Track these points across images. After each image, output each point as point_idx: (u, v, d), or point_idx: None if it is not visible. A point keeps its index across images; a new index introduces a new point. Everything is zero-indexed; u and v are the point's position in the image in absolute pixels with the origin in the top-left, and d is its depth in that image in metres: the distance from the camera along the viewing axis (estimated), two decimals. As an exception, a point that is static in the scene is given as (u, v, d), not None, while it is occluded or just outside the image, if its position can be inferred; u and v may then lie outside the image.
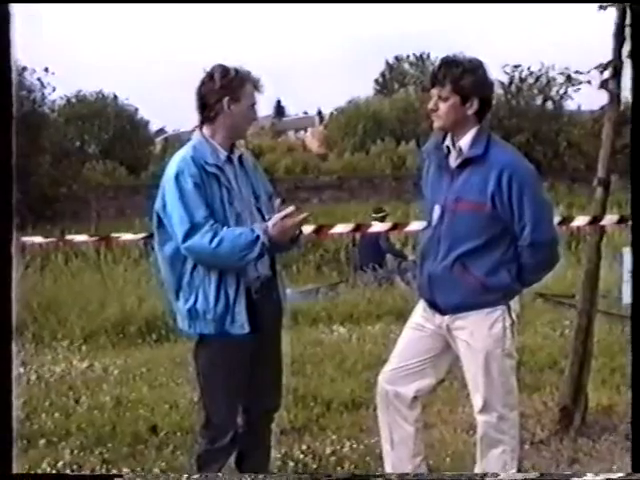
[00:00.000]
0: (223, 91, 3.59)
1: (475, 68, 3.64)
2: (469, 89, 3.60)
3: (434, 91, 3.64)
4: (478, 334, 3.71)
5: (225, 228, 3.53)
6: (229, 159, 3.69)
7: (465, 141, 3.67)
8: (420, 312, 3.96)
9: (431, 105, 3.67)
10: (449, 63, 3.63)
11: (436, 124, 3.71)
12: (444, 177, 3.76)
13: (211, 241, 3.48)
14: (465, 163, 3.67)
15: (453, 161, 3.73)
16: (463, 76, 3.58)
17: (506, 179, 3.55)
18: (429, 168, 3.91)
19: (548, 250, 3.74)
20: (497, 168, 3.57)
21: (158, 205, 3.62)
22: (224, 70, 3.61)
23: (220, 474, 3.84)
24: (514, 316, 3.76)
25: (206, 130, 3.67)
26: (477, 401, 3.82)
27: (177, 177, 3.52)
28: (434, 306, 3.84)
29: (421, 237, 4.08)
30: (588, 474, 3.86)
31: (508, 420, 3.83)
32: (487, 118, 3.73)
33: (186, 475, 3.79)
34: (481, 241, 3.64)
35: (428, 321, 3.89)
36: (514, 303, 3.78)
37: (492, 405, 3.78)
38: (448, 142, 3.74)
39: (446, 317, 3.79)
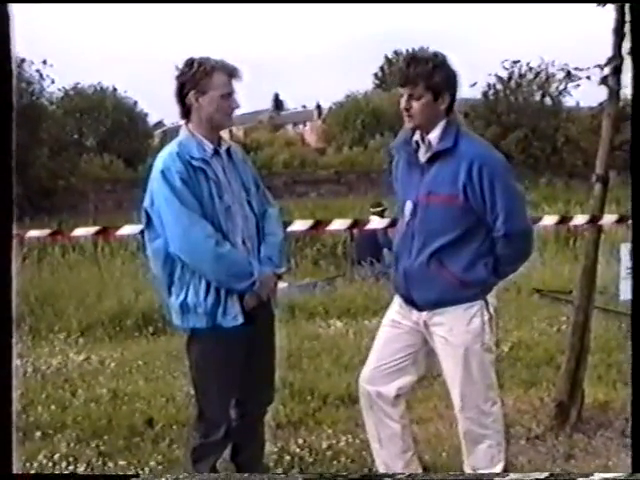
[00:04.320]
0: (188, 85, 3.58)
1: (443, 63, 3.62)
2: (441, 85, 3.59)
3: (405, 90, 3.61)
4: (456, 330, 3.69)
5: (228, 244, 3.55)
6: (216, 152, 3.68)
7: (434, 135, 3.65)
8: (396, 308, 3.94)
9: (404, 104, 3.63)
10: (418, 60, 3.60)
11: (410, 123, 3.68)
12: (414, 172, 3.74)
13: (217, 244, 3.50)
14: (435, 157, 3.64)
15: (422, 155, 3.71)
16: (434, 72, 3.56)
17: (476, 170, 3.53)
18: (398, 164, 3.90)
19: (522, 240, 3.72)
20: (467, 159, 3.55)
21: (146, 202, 3.62)
22: (187, 64, 3.60)
23: (239, 474, 3.87)
24: (492, 310, 3.75)
25: (191, 125, 3.67)
26: (456, 398, 3.81)
27: (164, 174, 3.52)
28: (410, 302, 3.81)
29: (395, 234, 4.07)
30: (595, 474, 3.86)
31: (490, 414, 3.82)
32: (455, 110, 3.71)
33: (202, 475, 3.80)
34: (456, 234, 3.62)
35: (405, 317, 3.87)
36: (491, 297, 3.77)
37: (473, 401, 3.77)
38: (417, 137, 3.72)
39: (423, 313, 3.76)
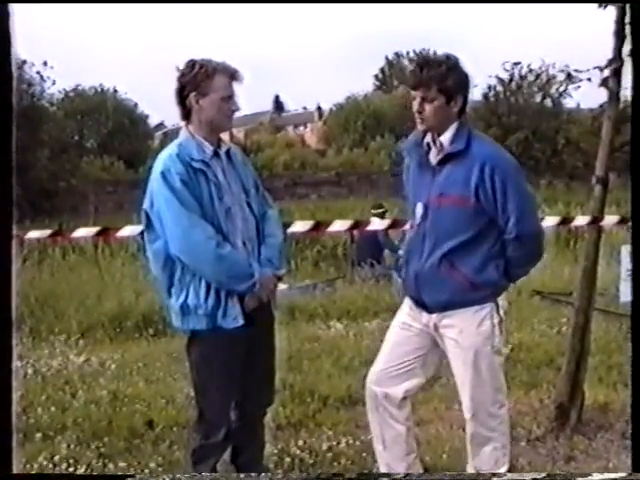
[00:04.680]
0: (189, 87, 3.58)
1: (455, 65, 3.61)
2: (454, 88, 3.58)
3: (418, 93, 3.60)
4: (467, 332, 3.69)
5: (228, 245, 3.55)
6: (216, 154, 3.67)
7: (446, 137, 3.65)
8: (406, 311, 3.94)
9: (416, 107, 3.62)
10: (431, 63, 3.60)
11: (422, 126, 3.67)
12: (425, 174, 3.73)
13: (217, 246, 3.50)
14: (447, 159, 3.64)
15: (434, 157, 3.70)
16: (448, 76, 3.55)
17: (488, 172, 3.53)
18: (409, 166, 3.88)
19: (533, 242, 3.72)
20: (479, 161, 3.55)
21: (146, 204, 3.62)
22: (189, 66, 3.60)
23: (236, 474, 3.87)
24: (502, 313, 3.75)
25: (191, 126, 3.66)
26: (465, 399, 3.81)
27: (164, 175, 3.51)
28: (421, 304, 3.81)
29: (406, 236, 4.06)
30: (594, 474, 3.86)
31: (497, 417, 3.82)
32: (467, 112, 3.72)
33: (202, 476, 3.80)
34: (467, 236, 3.62)
35: (415, 320, 3.87)
36: (501, 300, 3.77)
37: (481, 403, 3.77)
38: (428, 139, 3.72)
39: (433, 315, 3.76)
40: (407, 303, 3.95)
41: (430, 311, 3.77)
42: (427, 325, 3.81)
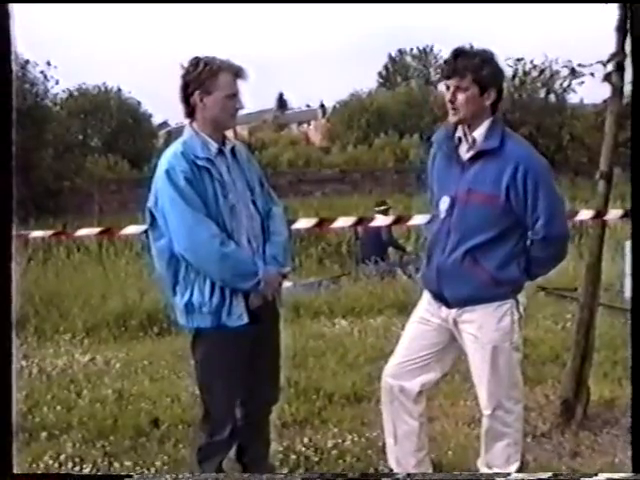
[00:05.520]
0: (194, 85, 3.57)
1: (491, 58, 3.62)
2: (488, 79, 3.57)
3: (451, 82, 3.58)
4: (486, 328, 3.70)
5: (232, 243, 3.55)
6: (221, 151, 3.67)
7: (479, 132, 3.64)
8: (425, 305, 3.94)
9: (449, 96, 3.61)
10: (466, 53, 3.59)
11: (453, 116, 3.65)
12: (454, 168, 3.72)
13: (222, 244, 3.50)
14: (478, 155, 3.63)
15: (464, 152, 3.69)
16: (483, 66, 3.55)
17: (522, 173, 3.53)
18: (435, 158, 3.87)
19: (559, 244, 3.73)
20: (513, 161, 3.55)
21: (151, 202, 3.61)
22: (193, 63, 3.59)
23: (238, 474, 3.87)
24: (521, 309, 3.76)
25: (195, 124, 3.66)
26: (483, 394, 3.82)
27: (168, 173, 3.51)
28: (441, 299, 3.81)
29: (428, 228, 4.05)
30: (600, 474, 3.86)
31: (513, 413, 3.83)
32: (500, 110, 3.71)
33: (195, 474, 3.80)
34: (493, 234, 3.62)
35: (433, 314, 3.87)
36: (521, 297, 3.77)
37: (498, 398, 3.77)
38: (460, 133, 3.70)
39: (453, 310, 3.77)
40: (425, 298, 3.95)
41: (450, 306, 3.78)
42: (446, 320, 3.82)
